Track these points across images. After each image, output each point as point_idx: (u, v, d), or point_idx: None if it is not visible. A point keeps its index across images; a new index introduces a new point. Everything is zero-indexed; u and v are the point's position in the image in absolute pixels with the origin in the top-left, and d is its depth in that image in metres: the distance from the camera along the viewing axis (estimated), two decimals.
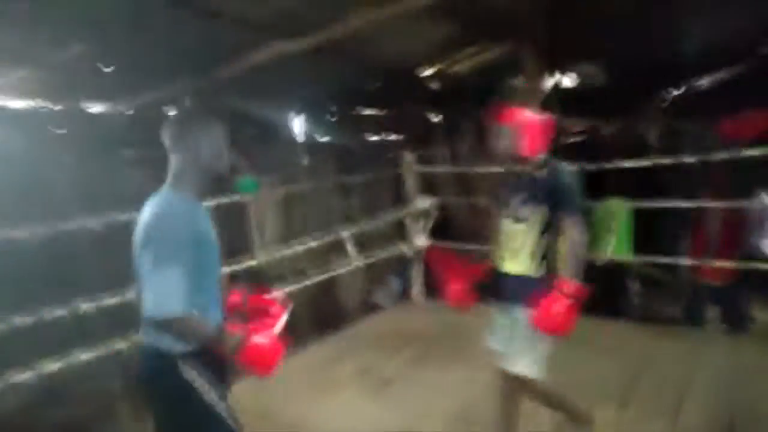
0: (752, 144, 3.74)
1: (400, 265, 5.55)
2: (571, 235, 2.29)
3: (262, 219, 4.93)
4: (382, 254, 5.12)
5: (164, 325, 1.55)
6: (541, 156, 2.39)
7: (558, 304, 2.14)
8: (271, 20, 3.42)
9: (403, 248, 5.22)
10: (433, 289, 5.60)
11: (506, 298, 2.41)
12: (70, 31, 3.00)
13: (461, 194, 6.18)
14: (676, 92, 6.78)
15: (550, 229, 2.33)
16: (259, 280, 4.90)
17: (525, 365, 2.34)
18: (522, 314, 2.28)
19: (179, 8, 3.00)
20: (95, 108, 4.15)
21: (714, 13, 4.40)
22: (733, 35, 4.91)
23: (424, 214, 5.28)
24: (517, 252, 2.36)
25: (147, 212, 1.65)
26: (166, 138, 1.69)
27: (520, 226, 2.35)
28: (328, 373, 3.70)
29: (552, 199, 2.30)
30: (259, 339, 1.66)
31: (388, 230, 5.50)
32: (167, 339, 1.60)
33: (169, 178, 1.70)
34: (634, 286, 5.70)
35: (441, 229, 5.48)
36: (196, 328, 1.59)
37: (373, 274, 5.60)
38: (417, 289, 5.35)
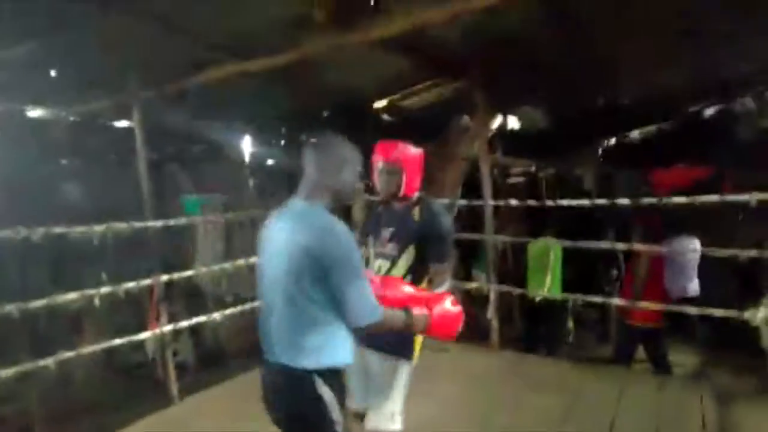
0: (679, 193, 3.99)
1: None
2: (436, 283, 2.20)
3: (205, 241, 4.81)
4: None
5: (373, 328, 1.70)
6: (416, 194, 2.31)
7: (450, 307, 2.00)
8: (227, 40, 3.42)
9: None
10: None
11: (366, 342, 2.12)
12: (17, 30, 2.88)
13: None
14: (610, 141, 7.19)
15: (416, 271, 2.20)
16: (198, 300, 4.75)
17: (387, 419, 2.15)
18: (382, 363, 2.16)
19: (132, 16, 2.94)
20: (36, 112, 3.97)
21: (644, 73, 4.74)
22: (664, 94, 5.31)
23: None
24: None
25: (303, 226, 1.70)
26: (311, 154, 1.78)
27: (386, 263, 2.22)
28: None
29: (422, 242, 2.19)
30: (445, 309, 1.89)
31: None
32: (304, 356, 1.68)
33: (304, 192, 1.78)
34: (568, 325, 5.90)
35: None
36: (394, 320, 1.78)
37: None
38: None
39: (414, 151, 2.37)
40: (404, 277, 2.18)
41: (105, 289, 3.22)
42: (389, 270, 2.21)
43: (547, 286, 4.84)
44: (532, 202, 4.60)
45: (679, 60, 4.32)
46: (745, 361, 4.39)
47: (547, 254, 4.77)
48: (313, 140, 1.80)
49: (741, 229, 5.30)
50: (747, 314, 3.20)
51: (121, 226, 3.28)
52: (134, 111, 3.90)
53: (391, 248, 2.23)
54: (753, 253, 3.39)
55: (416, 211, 2.25)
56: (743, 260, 3.60)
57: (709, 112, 6.07)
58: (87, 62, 3.42)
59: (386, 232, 2.26)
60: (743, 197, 3.37)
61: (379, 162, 2.32)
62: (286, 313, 1.69)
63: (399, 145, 2.34)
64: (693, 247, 3.92)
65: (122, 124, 4.55)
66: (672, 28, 3.65)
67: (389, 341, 2.17)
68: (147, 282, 3.46)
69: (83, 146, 4.33)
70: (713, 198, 3.52)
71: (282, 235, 1.71)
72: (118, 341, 3.34)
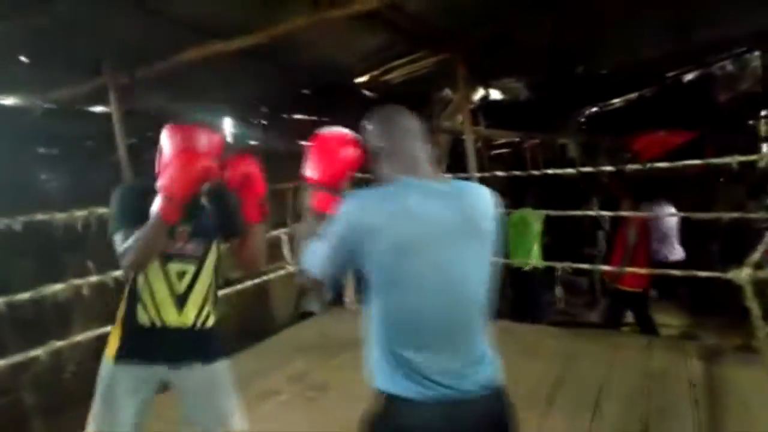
0: (661, 159, 4.04)
1: None
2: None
3: None
4: None
5: None
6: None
7: None
8: (203, 20, 3.33)
9: None
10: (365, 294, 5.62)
11: (175, 357, 1.89)
12: None
13: None
14: (593, 109, 7.23)
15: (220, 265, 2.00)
16: None
17: (238, 419, 1.97)
18: (209, 369, 1.93)
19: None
20: (8, 100, 3.86)
21: (623, 39, 4.74)
22: (643, 60, 5.32)
23: None
24: (185, 298, 1.89)
25: (473, 195, 1.45)
26: (416, 126, 1.54)
27: (189, 266, 1.90)
28: (261, 382, 3.62)
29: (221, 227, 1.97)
30: None
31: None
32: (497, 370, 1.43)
33: (432, 165, 1.50)
34: (557, 291, 5.99)
35: None
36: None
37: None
38: (349, 294, 5.34)
39: None
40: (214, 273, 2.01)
41: (93, 278, 3.18)
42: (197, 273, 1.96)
43: (534, 255, 4.91)
44: (516, 173, 4.63)
45: (655, 25, 4.32)
46: (729, 321, 4.51)
47: (530, 224, 4.83)
48: (394, 112, 1.59)
49: (722, 192, 5.40)
50: (731, 274, 3.27)
51: (103, 210, 3.22)
52: (110, 95, 3.82)
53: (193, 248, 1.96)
54: (735, 215, 3.45)
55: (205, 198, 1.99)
56: (725, 222, 3.66)
57: (689, 77, 6.11)
58: (58, 47, 3.32)
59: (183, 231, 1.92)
60: (726, 160, 3.41)
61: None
62: (477, 317, 1.41)
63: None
64: (669, 211, 3.99)
65: (99, 109, 4.45)
66: None
67: None
68: None
69: (59, 134, 4.23)
70: (696, 162, 3.56)
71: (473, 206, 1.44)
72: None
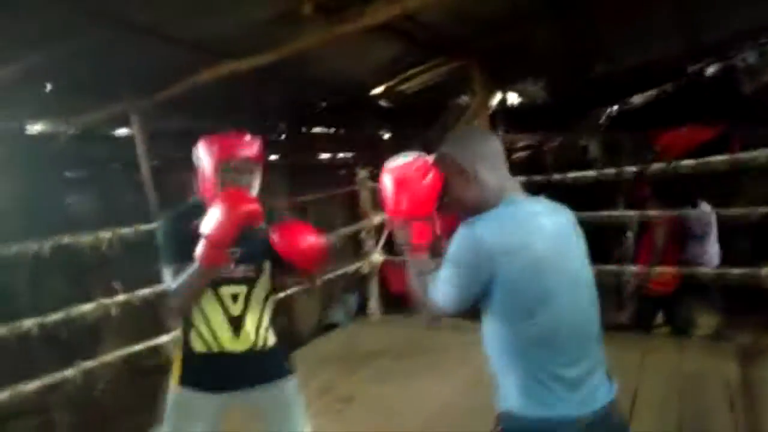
0: (687, 156, 3.95)
1: (356, 282, 5.53)
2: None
3: None
4: (338, 271, 5.08)
5: None
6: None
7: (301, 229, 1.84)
8: (218, 41, 3.39)
9: (359, 264, 5.21)
10: (390, 304, 5.61)
11: (238, 383, 1.87)
12: (8, 47, 2.88)
13: None
14: (612, 108, 7.13)
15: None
16: None
17: None
18: (278, 388, 1.92)
19: (121, 29, 2.93)
20: (36, 127, 3.98)
21: (643, 37, 4.68)
22: (662, 57, 5.24)
23: (379, 229, 5.30)
24: (240, 321, 1.84)
25: (562, 210, 1.49)
26: (493, 147, 1.52)
27: (241, 288, 1.86)
28: None
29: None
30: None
31: (343, 247, 5.49)
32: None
33: (518, 187, 1.51)
34: None
35: (395, 244, 5.50)
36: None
37: (330, 292, 5.55)
38: (374, 305, 5.34)
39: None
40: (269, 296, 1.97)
41: (120, 297, 3.24)
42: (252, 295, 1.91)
43: None
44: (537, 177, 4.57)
45: (672, 20, 4.26)
46: (764, 320, 4.37)
47: None
48: (479, 134, 1.64)
49: (750, 187, 5.26)
50: (764, 271, 3.18)
51: (127, 231, 3.28)
52: (132, 119, 3.91)
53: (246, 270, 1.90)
54: (766, 210, 3.36)
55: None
56: (755, 218, 3.56)
57: (711, 70, 5.99)
58: (80, 74, 3.41)
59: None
60: (753, 154, 3.32)
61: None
62: (598, 327, 1.42)
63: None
64: (708, 211, 3.90)
65: (123, 132, 4.56)
66: None
67: None
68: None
69: (85, 157, 4.33)
70: (723, 158, 3.47)
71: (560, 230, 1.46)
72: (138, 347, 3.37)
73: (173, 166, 4.55)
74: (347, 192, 5.61)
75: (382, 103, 5.96)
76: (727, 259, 4.03)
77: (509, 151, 6.94)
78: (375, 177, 5.63)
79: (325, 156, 6.53)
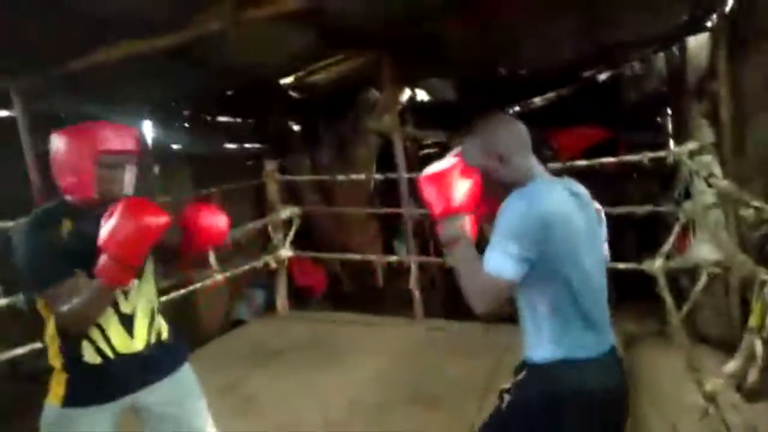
0: (582, 155, 4.21)
1: (263, 277, 5.40)
2: None
3: None
4: (244, 266, 4.94)
5: None
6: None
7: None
8: (120, 17, 3.15)
9: (267, 259, 5.09)
10: (298, 300, 5.54)
11: (137, 386, 1.76)
12: None
13: (323, 203, 6.20)
14: (514, 108, 7.46)
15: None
16: None
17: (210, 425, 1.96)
18: (175, 379, 1.84)
19: None
20: None
21: (541, 42, 4.91)
22: (561, 61, 5.54)
23: (287, 224, 5.20)
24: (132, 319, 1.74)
25: (585, 195, 1.64)
26: (519, 132, 1.64)
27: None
28: None
29: None
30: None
31: (250, 242, 5.33)
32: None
33: (541, 170, 1.63)
34: None
35: (303, 239, 5.43)
36: None
37: (236, 288, 5.38)
38: (281, 300, 5.24)
39: None
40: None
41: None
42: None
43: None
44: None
45: (570, 27, 4.50)
46: (645, 308, 4.76)
47: None
48: (507, 119, 1.72)
49: (636, 187, 5.70)
50: (645, 265, 3.45)
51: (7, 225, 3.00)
52: (14, 98, 3.56)
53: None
54: (649, 208, 3.66)
55: None
56: (641, 215, 3.86)
57: (602, 76, 6.41)
58: None
59: None
60: (638, 157, 3.61)
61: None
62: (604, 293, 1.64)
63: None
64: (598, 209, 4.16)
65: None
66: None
67: None
68: None
69: None
70: (612, 160, 3.75)
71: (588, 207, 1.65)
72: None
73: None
74: (254, 184, 5.46)
75: (292, 93, 5.85)
76: (616, 255, 4.34)
77: (419, 147, 7.11)
78: (283, 170, 5.56)
79: (231, 146, 6.30)
